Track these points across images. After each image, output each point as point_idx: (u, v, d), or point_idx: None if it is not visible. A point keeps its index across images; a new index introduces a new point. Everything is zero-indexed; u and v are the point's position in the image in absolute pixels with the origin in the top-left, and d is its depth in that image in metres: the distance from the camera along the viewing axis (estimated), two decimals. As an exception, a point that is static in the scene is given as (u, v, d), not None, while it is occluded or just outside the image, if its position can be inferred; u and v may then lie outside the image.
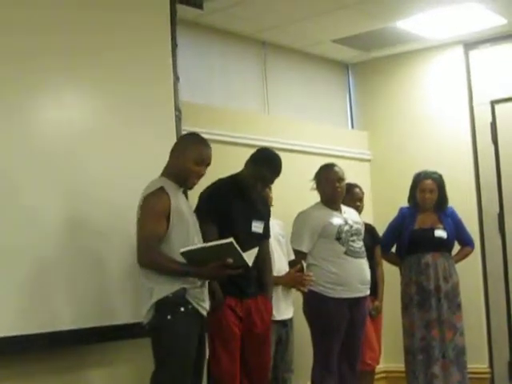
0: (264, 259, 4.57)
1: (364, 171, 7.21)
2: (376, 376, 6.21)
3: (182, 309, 3.73)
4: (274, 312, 4.69)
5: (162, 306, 3.72)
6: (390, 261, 5.97)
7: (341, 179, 5.07)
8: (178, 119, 4.97)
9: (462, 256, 5.89)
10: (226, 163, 5.05)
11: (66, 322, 4.19)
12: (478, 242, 6.60)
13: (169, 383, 3.71)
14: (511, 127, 6.69)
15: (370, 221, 6.28)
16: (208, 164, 3.94)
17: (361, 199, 5.86)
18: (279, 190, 5.34)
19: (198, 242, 3.87)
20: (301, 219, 5.10)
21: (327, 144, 6.76)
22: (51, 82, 4.29)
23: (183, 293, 3.73)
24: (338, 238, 4.95)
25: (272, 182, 4.50)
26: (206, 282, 3.92)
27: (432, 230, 5.71)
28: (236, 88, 6.37)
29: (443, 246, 5.71)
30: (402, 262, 5.83)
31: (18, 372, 4.07)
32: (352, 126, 7.58)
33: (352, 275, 4.95)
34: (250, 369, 4.41)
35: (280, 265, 4.96)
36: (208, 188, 4.44)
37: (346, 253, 4.96)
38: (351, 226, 5.02)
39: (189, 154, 3.88)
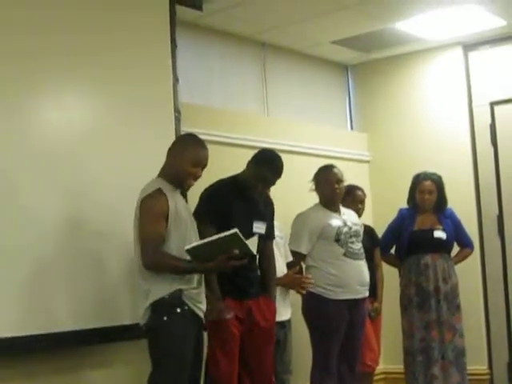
0: (268, 260, 4.58)
1: (363, 172, 7.21)
2: (375, 377, 6.21)
3: (178, 310, 3.72)
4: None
5: (158, 307, 3.72)
6: (389, 262, 5.97)
7: (340, 180, 5.07)
8: (178, 120, 4.98)
9: (461, 257, 5.89)
10: (225, 164, 5.06)
11: (66, 323, 4.19)
12: (478, 243, 6.60)
13: None
14: (510, 129, 6.69)
15: (369, 222, 6.28)
16: (204, 166, 3.93)
17: (362, 201, 5.85)
18: (278, 192, 5.32)
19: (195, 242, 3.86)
20: (300, 221, 5.10)
21: (326, 145, 6.76)
22: (51, 82, 4.30)
23: (179, 294, 3.73)
24: (337, 240, 4.95)
25: (273, 183, 4.49)
26: (203, 283, 3.91)
27: (431, 231, 5.71)
28: (235, 89, 6.37)
29: (442, 247, 5.72)
30: (401, 263, 5.83)
31: (18, 373, 4.07)
32: (351, 128, 7.58)
33: (351, 277, 4.95)
34: (252, 370, 4.39)
35: (278, 266, 4.94)
36: (208, 189, 4.44)
37: (344, 254, 4.95)
38: (350, 228, 5.02)
39: (185, 155, 3.87)
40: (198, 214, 4.28)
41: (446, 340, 5.59)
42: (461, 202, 6.39)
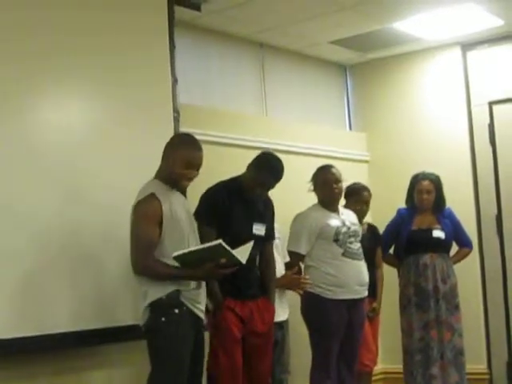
0: (268, 262, 4.58)
1: (362, 172, 7.21)
2: (374, 377, 6.21)
3: (176, 310, 3.72)
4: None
5: (155, 308, 3.72)
6: (388, 262, 5.98)
7: (338, 180, 5.07)
8: (177, 121, 4.98)
9: (460, 257, 5.90)
10: (224, 165, 5.07)
11: (65, 324, 4.19)
12: (476, 243, 6.60)
13: None
14: (509, 128, 6.70)
15: (368, 221, 6.29)
16: (198, 166, 3.89)
17: (367, 202, 5.83)
18: (277, 192, 5.30)
19: (194, 244, 3.86)
20: (298, 221, 5.10)
21: (325, 145, 6.77)
22: (49, 82, 4.30)
23: (177, 294, 3.73)
24: (336, 240, 4.95)
25: (272, 187, 4.48)
26: (203, 284, 3.91)
27: (430, 230, 5.72)
28: (234, 89, 6.37)
29: (441, 246, 5.72)
30: (400, 263, 5.83)
31: (17, 374, 4.07)
32: (350, 128, 7.59)
33: (350, 277, 4.95)
34: (250, 371, 4.40)
35: (277, 267, 4.94)
36: (208, 190, 4.44)
37: (343, 254, 4.95)
38: (349, 228, 5.02)
39: (178, 157, 3.84)
40: (198, 216, 4.28)
41: (445, 340, 5.59)
42: (459, 201, 6.40)
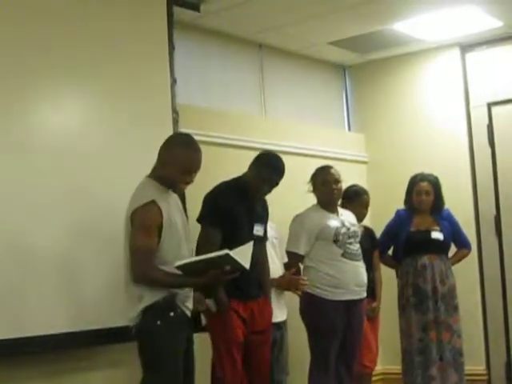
0: (262, 262, 4.60)
1: (361, 173, 7.21)
2: (374, 378, 6.21)
3: (172, 314, 3.69)
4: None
5: (151, 311, 3.67)
6: (387, 263, 5.98)
7: (337, 181, 5.07)
8: (176, 121, 4.98)
9: (458, 258, 5.90)
10: (223, 165, 5.07)
11: (63, 325, 4.20)
12: (475, 244, 6.60)
13: None
14: (508, 129, 6.70)
15: (366, 223, 6.28)
16: (196, 171, 3.81)
17: (367, 206, 5.86)
18: (276, 192, 5.31)
19: (186, 249, 3.82)
20: (298, 222, 5.10)
21: (324, 146, 6.77)
22: (49, 83, 4.31)
23: (173, 297, 3.70)
24: (336, 241, 4.95)
25: (277, 183, 4.49)
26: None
27: (428, 231, 5.71)
28: (233, 90, 6.36)
29: (440, 247, 5.72)
30: (398, 265, 5.83)
31: (15, 375, 4.07)
32: (349, 129, 7.59)
33: (349, 277, 4.95)
34: (251, 370, 4.42)
35: (274, 267, 4.95)
36: (212, 191, 4.45)
37: (343, 255, 4.95)
38: (348, 229, 5.02)
39: (174, 161, 3.73)
40: (203, 218, 4.30)
41: (444, 341, 5.58)
42: (458, 202, 6.40)
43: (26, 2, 4.25)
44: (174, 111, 4.98)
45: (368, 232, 5.77)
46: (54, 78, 4.32)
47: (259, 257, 4.51)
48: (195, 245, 4.27)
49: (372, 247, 5.73)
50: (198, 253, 4.14)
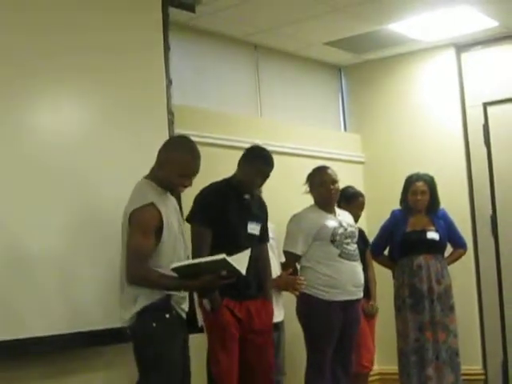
0: (264, 263, 4.59)
1: (357, 174, 7.22)
2: (370, 378, 6.21)
3: (167, 315, 3.69)
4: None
5: (146, 313, 3.66)
6: (382, 263, 5.98)
7: (335, 181, 5.07)
8: (171, 122, 4.98)
9: (454, 258, 5.90)
10: (219, 166, 5.04)
11: (63, 326, 4.20)
12: (471, 243, 6.61)
13: None
14: (503, 129, 6.71)
15: (363, 223, 6.28)
16: (194, 175, 3.80)
17: (362, 208, 5.91)
18: (272, 193, 5.34)
19: (182, 252, 3.82)
20: (295, 222, 5.10)
21: (320, 146, 6.77)
22: (42, 84, 4.30)
23: (167, 299, 3.69)
24: (333, 241, 4.94)
25: (269, 175, 4.49)
26: None
27: (424, 231, 5.71)
28: (228, 91, 6.37)
29: (436, 247, 5.72)
30: (394, 265, 5.83)
31: (12, 376, 4.07)
32: (345, 129, 7.59)
33: (346, 278, 4.94)
34: (253, 372, 4.40)
35: (272, 267, 4.94)
36: (202, 192, 4.44)
37: (340, 255, 4.95)
38: (346, 229, 5.02)
39: (173, 164, 3.72)
40: (193, 218, 4.29)
41: (440, 340, 5.59)
42: (454, 202, 6.41)
43: (26, 8, 4.26)
44: (170, 112, 4.98)
45: (359, 233, 5.77)
46: (49, 79, 4.32)
47: (259, 257, 4.51)
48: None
49: (364, 247, 5.73)
50: (192, 253, 4.14)
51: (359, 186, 6.53)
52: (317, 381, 4.93)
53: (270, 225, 4.97)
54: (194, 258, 4.00)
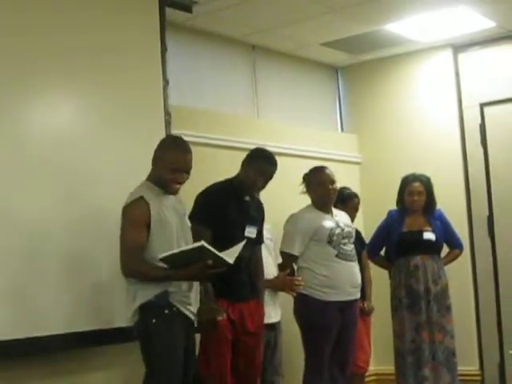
0: (257, 264, 4.59)
1: (353, 174, 7.22)
2: (367, 378, 6.22)
3: (166, 311, 3.73)
4: (263, 316, 4.69)
5: (145, 310, 3.73)
6: (379, 264, 5.98)
7: (333, 181, 5.06)
8: (168, 123, 4.97)
9: (451, 258, 5.90)
10: (216, 166, 5.07)
11: (62, 326, 4.20)
12: (468, 244, 6.62)
13: None
14: (500, 130, 6.71)
15: (359, 224, 6.29)
16: (186, 171, 3.87)
17: (357, 209, 5.92)
18: (269, 193, 5.32)
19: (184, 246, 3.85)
20: (292, 222, 5.09)
21: (317, 147, 6.77)
22: (40, 85, 4.30)
23: (165, 296, 3.74)
24: (330, 241, 4.94)
25: (272, 175, 4.49)
26: (195, 287, 3.92)
27: (421, 232, 5.71)
28: (225, 91, 6.37)
29: (432, 248, 5.72)
30: (391, 265, 5.83)
31: (13, 376, 4.07)
32: (342, 129, 7.60)
33: (343, 278, 4.94)
34: (240, 373, 4.40)
35: (268, 268, 4.94)
36: (203, 192, 4.45)
37: (337, 256, 4.95)
38: (343, 229, 5.02)
39: (164, 161, 3.83)
40: (193, 217, 4.29)
41: (437, 341, 5.59)
42: (451, 203, 6.41)
43: (24, 9, 4.26)
44: (166, 113, 4.98)
45: (356, 233, 5.77)
46: (44, 81, 4.31)
47: (252, 258, 4.52)
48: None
49: (360, 247, 5.73)
50: None
51: (356, 187, 6.54)
52: (315, 381, 4.92)
53: (266, 225, 4.98)
54: None
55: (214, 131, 5.79)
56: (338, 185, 5.28)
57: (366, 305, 5.74)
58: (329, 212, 5.09)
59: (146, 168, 3.96)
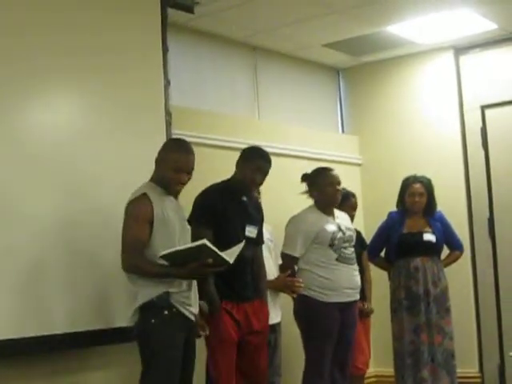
0: (259, 265, 4.58)
1: (354, 176, 7.22)
2: (366, 380, 6.22)
3: (166, 312, 3.74)
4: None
5: (146, 310, 3.75)
6: (379, 265, 5.97)
7: (339, 182, 5.06)
8: (169, 123, 4.97)
9: (451, 260, 5.89)
10: (217, 168, 5.06)
11: (62, 326, 4.20)
12: (468, 246, 6.61)
13: None
14: (501, 132, 6.71)
15: (360, 225, 6.29)
16: (188, 171, 3.92)
17: (355, 208, 5.90)
18: (269, 194, 5.34)
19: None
20: (294, 223, 5.08)
21: (318, 148, 6.78)
22: (42, 84, 4.30)
23: (167, 296, 3.75)
24: (331, 245, 4.94)
25: (268, 172, 4.49)
26: (194, 287, 3.92)
27: (421, 234, 5.71)
28: (227, 92, 6.37)
29: (432, 249, 5.71)
30: (391, 267, 5.83)
31: (14, 375, 4.07)
32: (343, 131, 7.60)
33: (343, 281, 4.94)
34: (247, 373, 4.41)
35: (269, 269, 4.94)
36: (202, 194, 4.45)
37: (337, 259, 4.95)
38: (344, 233, 5.01)
39: (167, 162, 3.88)
40: (193, 218, 4.29)
41: (436, 343, 5.58)
42: (452, 205, 6.42)
43: (25, 9, 4.26)
44: (167, 113, 4.97)
45: (356, 235, 5.78)
46: (45, 80, 4.31)
47: (254, 258, 4.52)
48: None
49: (361, 249, 5.73)
50: None
51: (356, 188, 6.55)
52: (315, 381, 4.91)
53: (267, 226, 4.98)
54: None
55: (214, 131, 5.79)
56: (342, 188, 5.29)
57: (365, 306, 5.75)
58: (331, 214, 5.08)
59: (147, 167, 3.97)
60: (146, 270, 3.73)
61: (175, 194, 4.00)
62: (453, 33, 6.53)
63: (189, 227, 4.12)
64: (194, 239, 4.25)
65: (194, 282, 3.93)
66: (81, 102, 4.52)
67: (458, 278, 6.22)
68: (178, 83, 5.49)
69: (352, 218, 5.67)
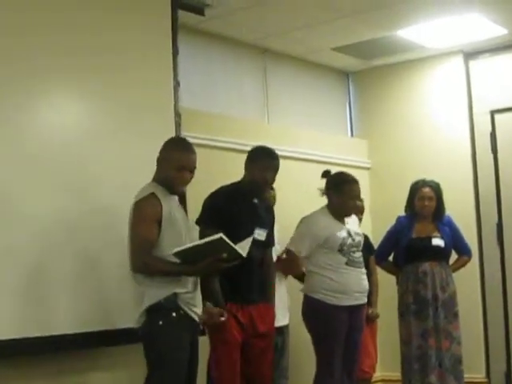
0: (267, 267, 4.57)
1: (363, 179, 7.15)
2: (373, 384, 6.22)
3: (174, 314, 3.73)
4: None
5: (153, 312, 3.73)
6: (387, 269, 5.96)
7: (360, 195, 5.07)
8: (178, 125, 4.98)
9: (459, 265, 5.88)
10: (225, 170, 5.07)
11: (66, 326, 4.20)
12: (477, 251, 6.60)
13: None
14: (510, 137, 6.70)
15: (368, 229, 6.29)
16: (191, 170, 3.90)
17: (362, 212, 5.90)
18: (278, 197, 5.34)
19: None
20: (306, 224, 5.04)
21: (327, 152, 6.78)
22: (51, 84, 4.31)
23: (174, 298, 3.74)
24: (341, 250, 4.93)
25: (277, 169, 4.48)
26: (198, 288, 3.93)
27: (429, 238, 5.70)
28: (236, 94, 6.38)
29: (441, 254, 5.70)
30: (399, 271, 5.82)
31: (18, 375, 4.07)
32: (352, 134, 7.60)
33: (351, 284, 4.93)
34: (251, 376, 4.39)
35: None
36: (211, 195, 4.44)
37: (347, 263, 4.94)
38: (354, 239, 5.00)
39: (169, 160, 3.86)
40: (202, 221, 4.29)
41: (444, 348, 5.57)
42: (460, 209, 6.40)
43: (26, 9, 4.26)
44: (177, 114, 4.98)
45: (363, 239, 5.77)
46: (55, 80, 4.33)
47: (264, 260, 4.51)
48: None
49: (368, 253, 5.71)
50: None
51: (365, 192, 6.53)
52: (326, 381, 4.91)
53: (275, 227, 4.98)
54: None
55: (223, 134, 5.80)
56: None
57: (370, 311, 5.73)
58: (342, 219, 5.07)
59: (154, 169, 3.96)
60: (157, 269, 3.72)
61: (180, 194, 3.99)
62: (462, 38, 6.53)
63: (195, 226, 4.12)
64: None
65: (198, 284, 3.93)
66: (89, 102, 4.52)
67: (466, 282, 6.21)
68: (188, 85, 5.50)
69: (360, 221, 5.67)
